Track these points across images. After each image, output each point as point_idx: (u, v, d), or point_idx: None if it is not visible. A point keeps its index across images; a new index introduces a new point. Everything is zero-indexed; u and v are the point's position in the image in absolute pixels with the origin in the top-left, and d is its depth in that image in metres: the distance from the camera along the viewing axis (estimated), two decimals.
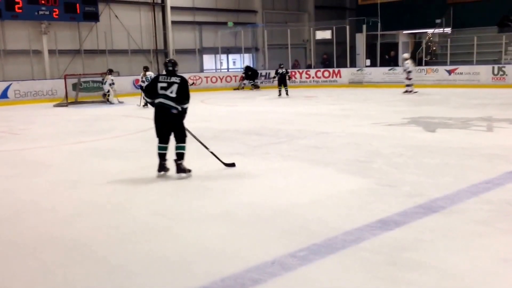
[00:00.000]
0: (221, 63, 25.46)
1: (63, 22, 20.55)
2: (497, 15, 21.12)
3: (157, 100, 6.08)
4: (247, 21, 26.61)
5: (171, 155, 6.15)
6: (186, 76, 6.36)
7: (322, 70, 23.59)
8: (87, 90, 19.67)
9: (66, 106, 17.24)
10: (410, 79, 17.77)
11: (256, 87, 23.12)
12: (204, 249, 3.81)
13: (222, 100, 18.06)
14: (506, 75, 18.93)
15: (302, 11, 29.03)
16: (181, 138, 6.11)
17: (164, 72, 6.24)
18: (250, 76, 23.38)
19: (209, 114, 13.21)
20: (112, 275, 3.44)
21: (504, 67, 19.11)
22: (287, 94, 18.55)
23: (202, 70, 25.06)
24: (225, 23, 25.47)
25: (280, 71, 18.88)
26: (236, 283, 3.21)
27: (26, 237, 4.25)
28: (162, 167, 6.17)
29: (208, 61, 26.01)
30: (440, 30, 24.22)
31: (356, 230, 4.05)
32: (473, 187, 5.24)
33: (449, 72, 20.20)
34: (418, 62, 21.77)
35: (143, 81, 15.69)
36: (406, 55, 19.04)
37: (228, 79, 23.92)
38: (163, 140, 6.13)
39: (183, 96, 6.06)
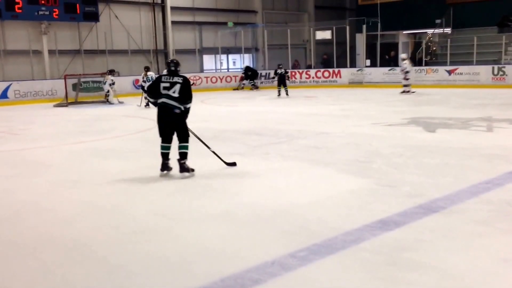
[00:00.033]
0: (221, 63, 25.46)
1: (63, 22, 20.55)
2: (497, 15, 21.13)
3: (160, 100, 6.11)
4: (247, 21, 26.62)
5: (173, 154, 6.17)
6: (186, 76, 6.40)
7: (322, 70, 23.59)
8: (87, 90, 19.67)
9: (66, 106, 17.23)
10: (407, 79, 17.79)
11: (255, 87, 23.13)
12: (204, 249, 3.81)
13: (222, 100, 18.06)
14: (506, 75, 18.93)
15: (302, 11, 29.04)
16: (184, 137, 6.15)
17: (165, 72, 6.26)
18: (250, 76, 23.39)
19: (209, 114, 13.21)
20: (112, 275, 3.44)
21: (504, 67, 19.11)
22: (287, 94, 18.54)
23: (202, 70, 25.06)
24: (225, 23, 25.47)
25: (279, 71, 18.89)
26: (236, 283, 3.21)
27: (26, 237, 4.25)
28: (165, 167, 6.20)
29: (208, 61, 26.02)
30: (440, 30, 24.24)
31: (356, 230, 4.05)
32: (473, 187, 5.25)
33: (449, 72, 20.20)
34: (418, 62, 21.80)
35: (144, 81, 15.69)
36: (404, 55, 19.05)
37: (228, 79, 23.92)
38: (166, 139, 6.17)
39: (186, 96, 6.10)
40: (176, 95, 6.04)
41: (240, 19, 26.44)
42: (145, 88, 14.40)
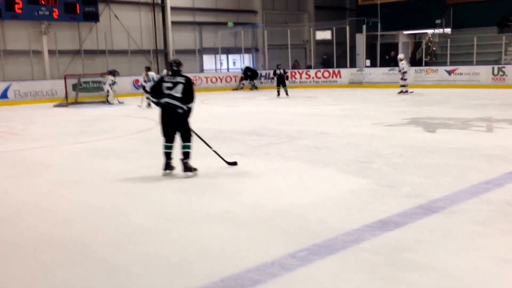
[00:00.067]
0: (221, 63, 25.47)
1: (63, 22, 20.56)
2: (497, 15, 21.15)
3: (162, 100, 6.13)
4: (247, 21, 26.62)
5: (175, 154, 6.18)
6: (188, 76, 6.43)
7: (322, 70, 23.60)
8: (87, 90, 19.68)
9: (66, 106, 17.23)
10: (405, 79, 17.79)
11: (254, 87, 23.12)
12: (204, 249, 3.81)
13: (222, 100, 18.06)
14: (506, 75, 18.94)
15: (302, 11, 29.03)
16: (186, 137, 6.18)
17: (167, 72, 6.28)
18: (250, 76, 23.39)
19: (209, 114, 13.20)
20: (112, 275, 3.44)
21: (504, 67, 19.12)
22: (286, 94, 18.55)
23: (202, 71, 25.07)
24: (225, 24, 25.48)
25: (277, 71, 18.90)
26: (236, 284, 3.21)
27: (26, 237, 4.25)
28: (168, 166, 6.23)
29: (208, 61, 26.02)
30: (440, 31, 24.24)
31: (356, 231, 4.05)
32: (473, 187, 5.25)
33: (449, 72, 20.20)
34: (418, 62, 21.80)
35: (145, 81, 15.68)
36: (401, 55, 19.01)
37: (228, 79, 23.93)
38: (169, 139, 6.20)
39: (188, 95, 6.13)
40: (178, 95, 6.07)
41: (240, 19, 26.44)
42: (146, 89, 14.40)
